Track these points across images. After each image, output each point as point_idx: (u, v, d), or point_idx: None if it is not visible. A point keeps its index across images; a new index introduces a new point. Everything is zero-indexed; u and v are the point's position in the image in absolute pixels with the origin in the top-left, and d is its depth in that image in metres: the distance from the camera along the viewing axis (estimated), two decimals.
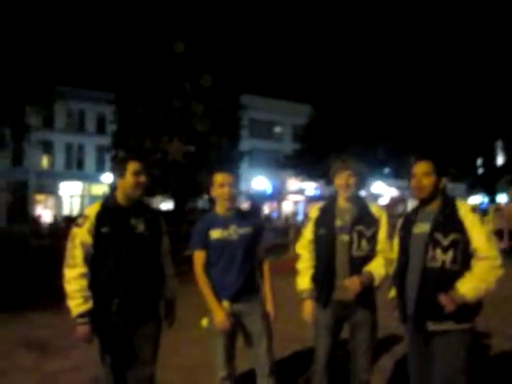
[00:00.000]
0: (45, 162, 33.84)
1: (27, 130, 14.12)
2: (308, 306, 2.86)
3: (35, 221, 22.24)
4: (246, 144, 36.37)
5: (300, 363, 4.05)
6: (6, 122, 13.22)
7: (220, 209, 2.97)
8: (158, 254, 2.78)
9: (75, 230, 2.60)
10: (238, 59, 18.53)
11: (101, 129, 33.75)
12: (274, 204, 40.35)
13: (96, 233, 2.57)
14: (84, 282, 2.52)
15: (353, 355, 2.88)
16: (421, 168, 2.54)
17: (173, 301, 2.89)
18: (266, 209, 38.88)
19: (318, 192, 34.76)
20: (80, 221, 2.62)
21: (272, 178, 37.01)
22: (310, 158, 26.60)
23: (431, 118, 25.97)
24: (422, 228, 2.52)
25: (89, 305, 2.51)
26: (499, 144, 27.77)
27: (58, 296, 5.79)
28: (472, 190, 39.53)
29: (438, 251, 2.41)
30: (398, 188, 41.99)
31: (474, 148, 26.07)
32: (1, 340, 5.10)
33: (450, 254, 2.40)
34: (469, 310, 2.38)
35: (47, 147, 32.68)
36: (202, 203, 18.97)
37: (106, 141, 22.96)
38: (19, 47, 13.05)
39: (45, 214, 30.97)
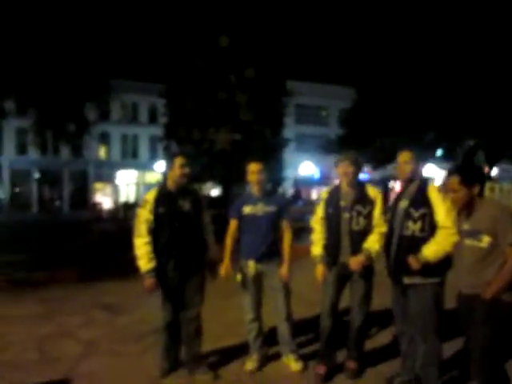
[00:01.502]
0: (102, 152, 36.04)
1: (88, 125, 15.44)
2: (320, 268, 3.64)
3: (96, 207, 24.03)
4: (292, 130, 36.89)
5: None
6: (70, 118, 14.53)
7: (253, 190, 3.82)
8: (200, 227, 3.65)
9: (140, 211, 3.54)
10: (281, 48, 19.02)
11: (153, 119, 35.42)
12: (322, 188, 40.77)
13: (155, 212, 3.48)
14: (148, 248, 3.45)
15: (351, 304, 3.66)
16: (402, 157, 3.26)
17: (214, 260, 3.74)
18: (314, 194, 39.40)
19: (366, 176, 34.73)
20: (143, 204, 3.56)
21: (319, 163, 37.35)
22: (354, 143, 26.73)
23: (481, 101, 25.21)
24: (403, 204, 3.23)
25: (153, 264, 3.44)
26: None
27: (122, 270, 6.89)
28: None
29: (410, 222, 3.12)
30: None
31: None
32: (79, 302, 6.22)
33: (419, 224, 3.11)
34: (435, 268, 3.08)
35: (104, 138, 34.83)
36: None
37: (158, 130, 24.27)
38: (76, 46, 14.09)
39: (104, 201, 33.14)
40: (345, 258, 3.54)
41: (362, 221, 3.52)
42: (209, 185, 24.04)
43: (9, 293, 6.74)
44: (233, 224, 3.82)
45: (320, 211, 3.73)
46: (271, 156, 16.34)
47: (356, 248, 3.50)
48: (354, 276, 3.56)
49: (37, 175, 33.51)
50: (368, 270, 3.58)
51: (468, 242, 2.77)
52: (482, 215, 2.74)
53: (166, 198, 3.54)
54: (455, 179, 2.80)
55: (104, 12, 15.27)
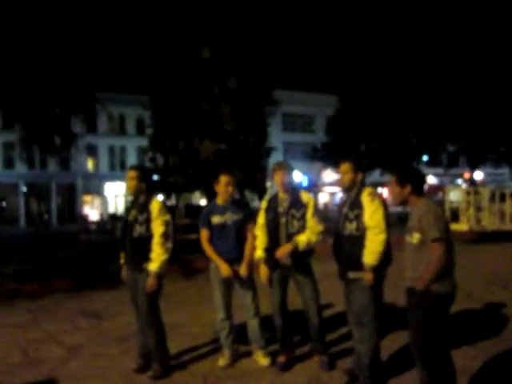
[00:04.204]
0: (90, 164, 36.12)
1: (74, 138, 15.61)
2: (263, 269, 3.95)
3: (84, 219, 24.15)
4: (279, 138, 37.35)
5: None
6: (56, 131, 14.68)
7: (220, 200, 4.10)
8: (144, 235, 3.86)
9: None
10: (264, 59, 19.40)
11: (140, 130, 35.58)
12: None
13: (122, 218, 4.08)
14: (121, 248, 4.05)
15: (303, 305, 3.98)
16: (342, 168, 3.57)
17: (153, 274, 3.78)
18: None
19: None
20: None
21: (307, 171, 37.75)
22: (339, 150, 27.16)
23: (464, 105, 25.79)
24: (345, 209, 3.58)
25: (121, 261, 4.06)
26: None
27: (107, 279, 7.17)
28: None
29: (348, 223, 3.48)
30: (436, 176, 41.79)
31: (501, 135, 25.97)
32: (65, 310, 6.46)
33: (354, 224, 3.48)
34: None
35: (92, 151, 34.95)
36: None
37: (145, 142, 24.53)
38: (61, 59, 14.23)
39: (92, 213, 33.19)
40: (285, 260, 3.85)
41: (296, 223, 3.84)
42: (197, 194, 24.25)
43: None
44: (204, 233, 4.09)
45: (261, 219, 4.04)
46: (255, 165, 16.66)
47: (293, 250, 3.79)
48: (296, 276, 3.89)
49: (24, 189, 33.48)
50: (306, 269, 3.91)
51: (407, 238, 3.07)
52: (413, 214, 3.04)
53: (127, 206, 4.13)
54: (392, 178, 3.12)
55: (89, 25, 15.48)
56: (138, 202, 3.96)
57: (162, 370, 3.87)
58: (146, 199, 3.95)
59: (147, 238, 3.83)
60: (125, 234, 3.95)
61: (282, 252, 3.78)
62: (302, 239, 3.78)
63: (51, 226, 31.49)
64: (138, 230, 3.85)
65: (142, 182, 3.92)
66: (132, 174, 3.93)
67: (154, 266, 3.77)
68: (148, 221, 3.84)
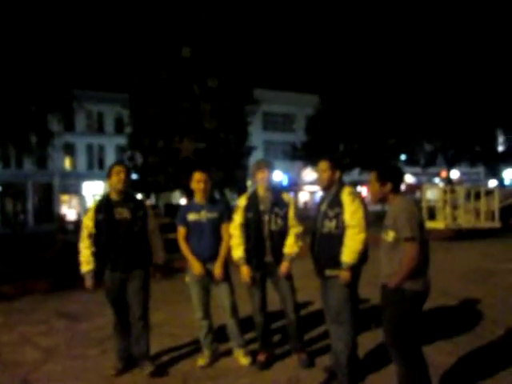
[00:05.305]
0: (68, 163, 35.52)
1: (51, 136, 15.31)
2: (245, 269, 3.92)
3: (61, 219, 23.75)
4: (259, 137, 37.37)
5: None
6: (32, 130, 14.39)
7: (197, 198, 4.08)
8: (142, 232, 3.89)
9: (84, 218, 3.93)
10: (244, 58, 19.38)
11: (119, 129, 35.10)
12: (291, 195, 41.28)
13: (94, 219, 3.83)
14: (87, 252, 3.82)
15: (282, 303, 3.99)
16: (320, 166, 3.58)
17: (159, 265, 4.01)
18: None
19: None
20: (86, 212, 3.96)
21: (287, 170, 37.90)
22: (318, 149, 27.33)
23: (440, 105, 26.21)
24: (323, 207, 3.60)
25: (91, 266, 3.81)
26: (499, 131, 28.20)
27: (83, 280, 7.02)
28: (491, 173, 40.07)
29: (327, 221, 3.48)
30: (414, 175, 42.42)
31: (476, 134, 26.53)
32: (41, 311, 6.33)
33: (334, 222, 3.49)
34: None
35: (69, 149, 34.36)
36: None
37: (124, 140, 24.23)
38: (39, 58, 13.97)
39: (69, 213, 32.64)
40: (267, 258, 3.88)
41: (279, 221, 3.86)
42: (177, 193, 24.07)
43: None
44: (181, 230, 4.09)
45: (238, 218, 3.99)
46: (236, 164, 16.62)
47: (275, 247, 3.84)
48: (276, 276, 3.89)
49: None
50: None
51: (382, 235, 3.09)
52: (390, 212, 3.06)
53: (105, 206, 3.88)
54: (372, 175, 3.14)
55: (66, 22, 15.19)
56: (131, 199, 3.95)
57: (156, 367, 3.90)
58: (135, 195, 4.03)
59: (146, 233, 3.92)
60: (113, 235, 3.79)
61: (285, 269, 3.82)
62: (293, 250, 3.82)
63: (27, 227, 30.89)
64: (140, 225, 3.86)
65: (130, 178, 3.94)
66: (121, 168, 3.87)
67: (160, 259, 4.02)
68: (145, 216, 3.92)
